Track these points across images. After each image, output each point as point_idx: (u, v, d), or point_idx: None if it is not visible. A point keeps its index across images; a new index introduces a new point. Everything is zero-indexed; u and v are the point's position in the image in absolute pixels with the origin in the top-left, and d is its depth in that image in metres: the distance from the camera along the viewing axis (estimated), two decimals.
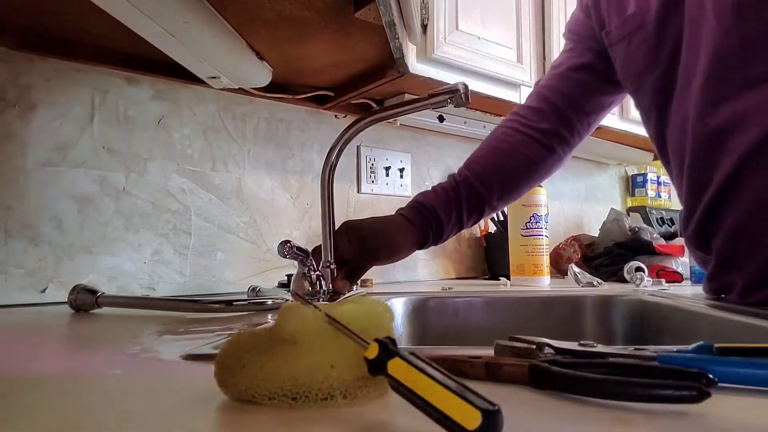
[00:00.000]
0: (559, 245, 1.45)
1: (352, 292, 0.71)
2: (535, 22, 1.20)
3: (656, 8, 0.64)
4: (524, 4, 1.17)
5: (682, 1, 0.61)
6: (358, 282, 0.80)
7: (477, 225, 1.40)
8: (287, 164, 1.12)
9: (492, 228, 1.39)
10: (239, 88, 0.98)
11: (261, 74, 0.93)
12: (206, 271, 0.99)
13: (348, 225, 0.71)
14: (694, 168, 0.63)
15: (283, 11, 0.74)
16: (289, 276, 0.91)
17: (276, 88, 1.03)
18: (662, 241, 1.33)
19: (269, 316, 0.61)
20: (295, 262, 0.64)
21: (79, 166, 0.86)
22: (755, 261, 0.58)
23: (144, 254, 0.91)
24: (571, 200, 1.76)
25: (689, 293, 0.85)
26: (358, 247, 0.69)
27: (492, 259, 1.40)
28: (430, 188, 0.80)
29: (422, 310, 0.88)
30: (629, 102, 1.36)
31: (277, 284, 1.01)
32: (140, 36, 0.69)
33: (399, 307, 0.85)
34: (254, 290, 0.85)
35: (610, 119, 1.36)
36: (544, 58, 1.21)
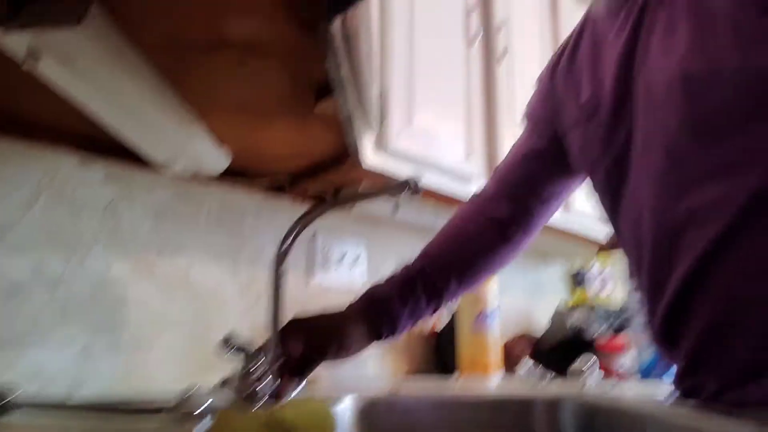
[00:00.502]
0: (508, 342, 1.44)
1: (297, 391, 0.67)
2: (484, 118, 1.28)
3: (610, 95, 0.65)
4: (474, 101, 1.24)
5: (635, 89, 0.63)
6: (305, 381, 0.76)
7: (428, 319, 1.39)
8: (239, 252, 1.08)
9: (443, 322, 1.38)
10: (194, 174, 0.96)
11: (219, 160, 0.92)
12: (141, 369, 0.91)
13: (295, 321, 0.67)
14: (653, 263, 0.62)
15: (244, 98, 0.75)
16: (232, 374, 0.84)
17: (232, 174, 1.02)
18: (606, 338, 1.34)
19: (205, 424, 0.55)
20: (239, 359, 0.59)
21: (14, 250, 0.80)
22: (725, 364, 0.56)
23: (73, 350, 0.83)
24: (520, 294, 1.78)
25: (635, 392, 0.85)
26: (306, 344, 0.66)
27: (443, 354, 1.37)
28: (383, 279, 0.78)
29: (371, 412, 0.83)
30: (572, 195, 1.42)
31: (218, 384, 0.93)
32: (94, 117, 0.68)
33: (346, 408, 0.80)
34: (191, 392, 0.78)
35: (555, 214, 1.41)
36: (493, 153, 1.27)
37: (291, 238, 0.69)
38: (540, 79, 0.83)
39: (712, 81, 0.53)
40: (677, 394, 0.64)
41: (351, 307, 0.73)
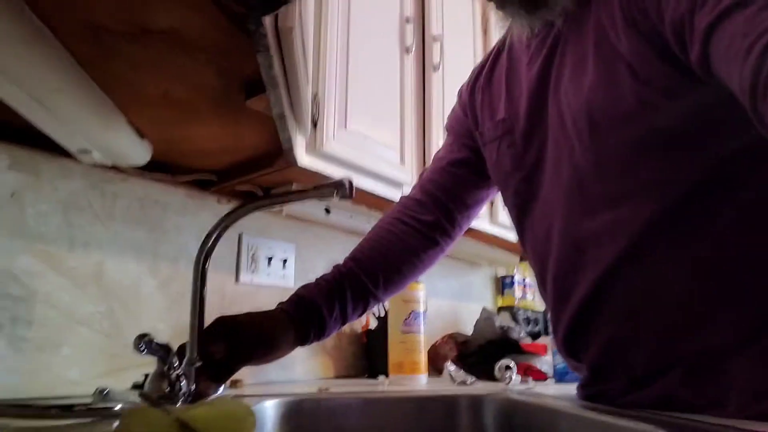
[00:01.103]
0: (436, 342, 1.47)
1: (218, 394, 0.65)
2: (416, 127, 1.30)
3: (524, 117, 0.69)
4: (407, 110, 1.26)
5: (546, 115, 0.66)
6: (227, 383, 0.73)
7: (358, 321, 1.39)
8: (159, 248, 1.04)
9: (373, 324, 1.38)
10: (112, 165, 0.91)
11: (140, 152, 0.88)
12: (47, 369, 0.85)
13: (221, 320, 0.66)
14: (557, 279, 0.66)
15: (170, 92, 0.72)
16: (147, 375, 0.81)
17: (156, 167, 0.98)
18: (529, 340, 1.40)
19: (115, 424, 0.52)
20: (155, 360, 0.57)
21: None
22: (624, 373, 0.61)
23: None
24: (447, 298, 1.82)
25: (553, 392, 0.89)
26: (231, 344, 0.64)
27: (373, 356, 1.38)
28: (313, 281, 0.78)
29: (296, 413, 0.82)
30: (498, 206, 1.48)
31: (131, 385, 0.89)
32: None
33: (271, 410, 0.78)
34: (102, 393, 0.74)
35: (482, 223, 1.46)
36: (425, 161, 1.29)
37: (216, 234, 0.67)
38: (460, 93, 0.87)
39: (613, 117, 0.57)
40: (581, 399, 0.68)
41: (279, 308, 0.73)
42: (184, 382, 0.57)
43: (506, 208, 0.78)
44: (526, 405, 0.79)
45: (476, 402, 0.88)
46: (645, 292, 0.57)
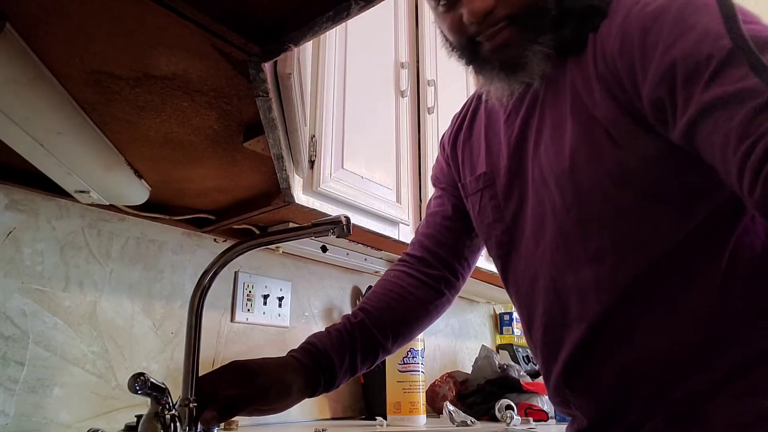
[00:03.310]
0: (434, 382, 1.45)
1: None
2: (412, 167, 1.32)
3: (504, 171, 0.70)
4: (403, 151, 1.28)
5: (526, 170, 0.67)
6: (221, 425, 0.72)
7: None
8: (153, 288, 1.03)
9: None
10: (110, 205, 0.92)
11: (137, 193, 0.89)
12: (36, 410, 0.83)
13: (236, 363, 0.65)
14: (546, 331, 0.66)
15: (169, 133, 0.73)
16: (139, 417, 0.79)
17: (152, 207, 0.98)
18: (528, 379, 1.38)
19: None
20: (148, 401, 0.56)
21: None
22: (615, 420, 0.61)
23: None
24: (446, 336, 1.80)
25: None
26: (244, 385, 0.63)
27: (370, 396, 1.35)
28: (324, 331, 0.76)
29: None
30: None
31: (124, 426, 0.87)
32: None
33: None
34: None
35: (479, 260, 1.46)
36: (420, 200, 1.31)
37: (211, 273, 0.67)
38: (442, 145, 0.88)
39: (595, 180, 0.58)
40: None
41: (291, 356, 0.71)
42: (178, 424, 0.56)
43: (490, 259, 0.79)
44: None
45: None
46: (632, 344, 0.58)
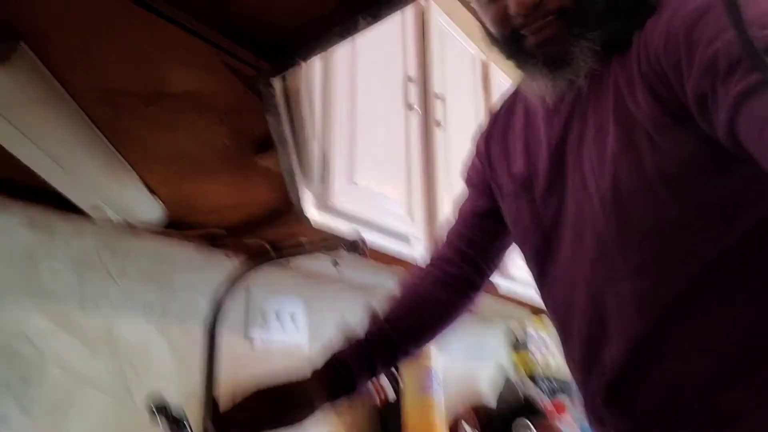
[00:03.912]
0: (458, 416, 1.42)
1: None
2: (423, 182, 1.32)
3: (543, 173, 0.68)
4: (413, 166, 1.28)
5: (566, 173, 0.65)
6: None
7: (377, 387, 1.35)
8: (169, 307, 1.03)
9: (391, 394, 1.34)
10: (125, 223, 0.93)
11: (151, 209, 0.90)
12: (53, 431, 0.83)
13: (258, 389, 0.67)
14: (585, 343, 0.63)
15: (181, 150, 0.74)
16: None
17: (166, 224, 0.99)
18: (548, 400, 1.35)
19: None
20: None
21: None
22: None
23: None
24: (460, 356, 1.77)
25: None
26: (269, 410, 0.65)
27: (387, 421, 1.33)
28: (346, 343, 0.78)
29: None
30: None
31: None
32: (16, 158, 0.65)
33: None
34: None
35: (494, 277, 1.44)
36: (433, 215, 1.30)
37: (226, 290, 0.67)
38: (476, 144, 0.86)
39: (636, 188, 0.56)
40: None
41: (315, 373, 0.73)
42: None
43: (525, 265, 0.76)
44: None
45: None
46: (672, 362, 0.56)
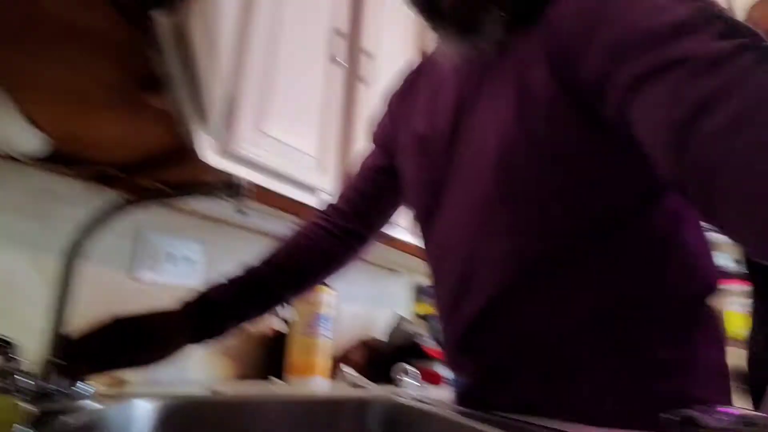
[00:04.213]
0: (347, 348, 1.49)
1: (84, 388, 0.63)
2: (340, 139, 1.31)
3: (441, 135, 0.70)
4: (331, 121, 1.27)
5: (462, 136, 0.67)
6: (115, 383, 0.71)
7: (266, 322, 1.38)
8: (48, 242, 0.99)
9: (279, 326, 1.37)
10: (3, 153, 0.87)
11: (34, 142, 0.84)
12: None
13: (112, 317, 0.65)
14: (450, 295, 0.68)
15: (64, 82, 0.70)
16: None
17: (56, 159, 0.94)
18: (434, 346, 1.45)
19: None
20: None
21: None
22: (497, 385, 0.65)
23: None
24: (363, 304, 1.84)
25: (445, 396, 0.93)
26: (118, 337, 0.63)
27: (276, 358, 1.37)
28: (220, 280, 0.78)
29: (176, 416, 0.80)
30: None
31: None
32: None
33: (146, 411, 0.77)
34: None
35: (401, 233, 1.48)
36: (348, 169, 1.31)
37: (95, 226, 0.65)
38: (389, 102, 0.88)
39: (524, 159, 0.59)
40: (459, 404, 0.72)
41: (178, 306, 0.72)
42: (23, 378, 0.54)
43: (413, 219, 0.80)
44: (408, 408, 0.82)
45: (362, 405, 0.90)
46: (524, 317, 0.61)
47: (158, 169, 0.97)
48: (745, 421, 0.35)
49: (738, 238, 0.36)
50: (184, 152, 0.92)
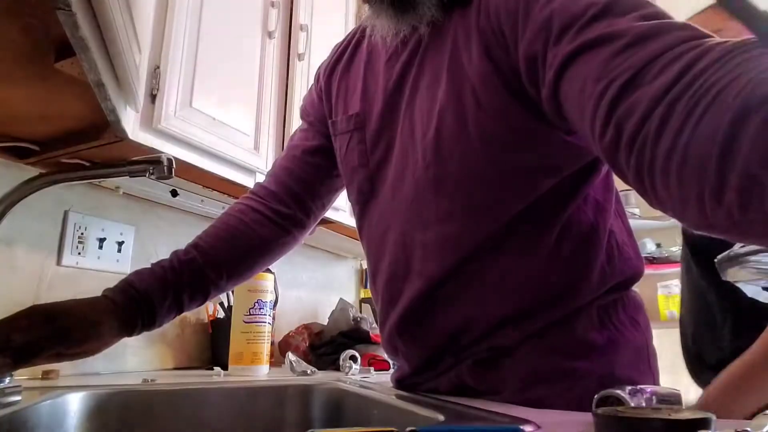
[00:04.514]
0: (289, 333, 1.46)
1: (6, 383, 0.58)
2: (276, 115, 1.27)
3: (376, 116, 0.69)
4: (266, 97, 1.23)
5: (398, 118, 0.66)
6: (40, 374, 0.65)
7: (204, 309, 1.33)
8: None
9: (220, 314, 1.33)
10: None
11: None
12: None
13: (34, 307, 0.60)
14: (388, 282, 0.67)
15: None
16: None
17: None
18: (375, 327, 1.44)
19: None
20: None
21: None
22: (432, 368, 0.66)
23: None
24: (309, 289, 1.81)
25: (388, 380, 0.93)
26: (43, 328, 0.58)
27: (217, 346, 1.33)
28: (148, 267, 0.72)
29: (108, 408, 0.76)
30: None
31: None
32: None
33: (73, 404, 0.72)
34: None
35: (345, 216, 1.46)
36: (283, 149, 1.27)
37: (5, 208, 0.60)
38: (317, 77, 0.84)
39: (456, 141, 0.58)
40: (397, 388, 0.72)
41: (104, 295, 0.67)
42: None
43: (350, 203, 0.78)
44: (351, 394, 0.80)
45: (306, 392, 0.89)
46: (460, 302, 0.61)
47: (79, 145, 0.90)
48: (659, 398, 0.36)
49: (675, 207, 0.34)
50: (105, 127, 0.86)
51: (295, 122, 1.31)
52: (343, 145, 0.75)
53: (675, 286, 3.24)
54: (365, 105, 0.71)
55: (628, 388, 0.46)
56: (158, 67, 0.93)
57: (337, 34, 1.54)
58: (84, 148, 0.91)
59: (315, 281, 1.85)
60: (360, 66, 0.75)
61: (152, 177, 0.62)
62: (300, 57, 1.34)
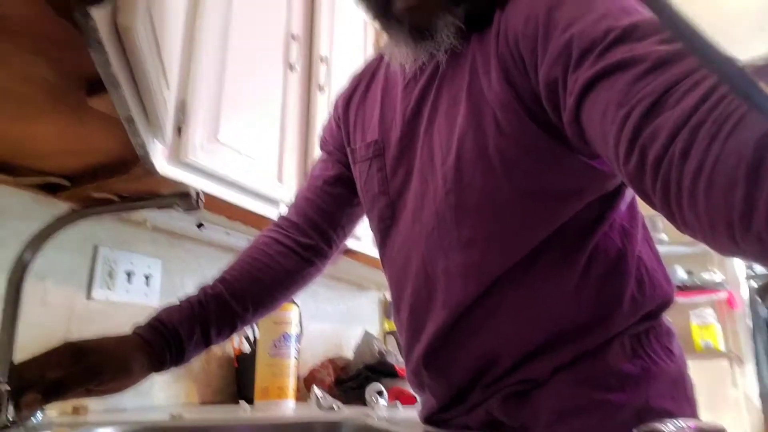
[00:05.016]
0: (314, 368, 1.44)
1: (36, 417, 0.58)
2: (298, 146, 1.28)
3: (395, 142, 0.68)
4: (289, 129, 1.24)
5: (417, 144, 0.66)
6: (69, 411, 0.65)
7: (230, 342, 1.32)
8: None
9: (245, 348, 1.32)
10: None
11: None
12: None
13: (66, 344, 0.60)
14: (412, 311, 0.66)
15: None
16: None
17: None
18: (401, 360, 1.41)
19: None
20: None
21: None
22: (460, 402, 0.63)
23: None
24: (332, 321, 1.79)
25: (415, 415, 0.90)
26: (74, 365, 0.58)
27: (243, 380, 1.31)
28: (176, 302, 0.73)
29: None
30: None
31: None
32: None
33: None
34: None
35: (368, 246, 1.45)
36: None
37: (37, 243, 0.60)
38: (336, 106, 0.85)
39: (476, 167, 0.58)
40: (425, 424, 0.69)
41: (136, 332, 0.67)
42: None
43: (372, 230, 0.77)
44: (378, 430, 0.78)
45: (333, 428, 0.86)
46: (488, 333, 0.59)
47: (108, 179, 0.92)
48: (702, 430, 0.34)
49: (704, 232, 0.33)
50: (134, 161, 0.87)
51: (318, 152, 1.31)
52: (363, 173, 0.75)
53: (709, 315, 3.12)
54: (384, 132, 0.71)
55: (669, 421, 0.44)
56: (184, 101, 0.95)
57: (356, 65, 1.56)
58: (113, 182, 0.92)
59: (338, 313, 1.83)
60: (377, 93, 0.76)
61: (180, 209, 0.62)
62: (321, 89, 1.36)
